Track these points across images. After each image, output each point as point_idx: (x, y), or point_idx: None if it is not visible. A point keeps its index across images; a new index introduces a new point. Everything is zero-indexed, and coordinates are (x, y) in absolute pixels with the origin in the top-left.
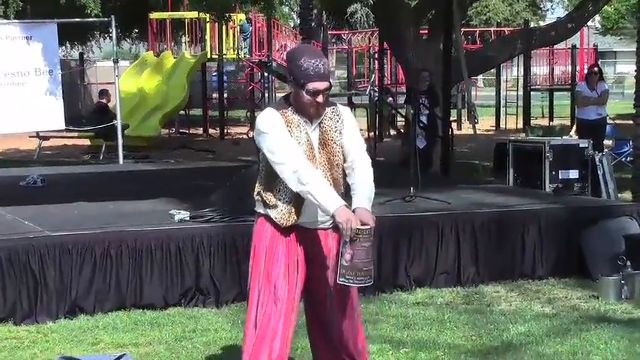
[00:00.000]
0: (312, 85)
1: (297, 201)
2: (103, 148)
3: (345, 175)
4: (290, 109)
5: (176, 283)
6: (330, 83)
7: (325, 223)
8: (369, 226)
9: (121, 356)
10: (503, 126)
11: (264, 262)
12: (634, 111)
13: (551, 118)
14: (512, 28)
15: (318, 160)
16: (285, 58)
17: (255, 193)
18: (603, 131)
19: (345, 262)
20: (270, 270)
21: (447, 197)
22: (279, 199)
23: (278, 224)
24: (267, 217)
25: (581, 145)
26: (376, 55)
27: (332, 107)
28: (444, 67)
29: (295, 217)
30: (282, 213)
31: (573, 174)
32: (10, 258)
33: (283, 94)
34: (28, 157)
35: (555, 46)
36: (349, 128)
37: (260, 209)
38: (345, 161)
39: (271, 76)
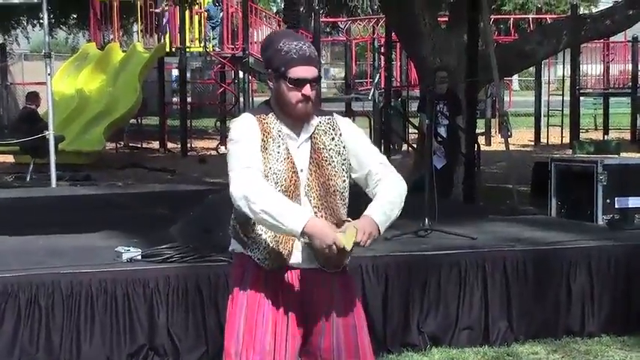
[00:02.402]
0: (295, 72)
1: (286, 238)
2: (31, 167)
3: (344, 206)
4: (271, 115)
5: (124, 340)
6: (320, 72)
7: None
8: (352, 237)
9: None
10: (545, 140)
11: (245, 316)
12: None
13: (605, 131)
14: (555, 16)
15: (306, 184)
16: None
17: (230, 226)
18: None
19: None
20: (252, 325)
21: (472, 231)
22: (260, 235)
23: (262, 266)
24: (247, 258)
25: None
26: (382, 50)
27: (327, 117)
28: (469, 66)
29: (284, 259)
30: (264, 253)
31: (634, 202)
32: None
33: (265, 100)
34: None
35: (611, 39)
36: (355, 139)
37: (236, 247)
38: (366, 183)
39: (248, 75)
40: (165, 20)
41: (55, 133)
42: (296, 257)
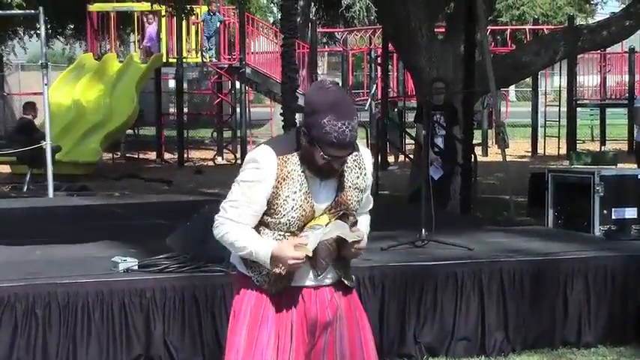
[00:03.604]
0: (330, 152)
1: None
2: (28, 177)
3: None
4: (295, 154)
5: (120, 350)
6: (355, 148)
7: (326, 279)
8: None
9: None
10: (541, 151)
11: (247, 327)
12: None
13: (602, 142)
14: (552, 27)
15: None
16: (305, 93)
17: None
18: None
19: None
20: (254, 337)
21: (469, 242)
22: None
23: (268, 291)
24: (249, 279)
25: None
26: (379, 60)
27: (354, 155)
28: (465, 76)
29: (285, 282)
30: (265, 277)
31: (630, 213)
32: None
33: (295, 128)
34: None
35: (608, 50)
36: (369, 181)
37: (239, 265)
38: None
39: (245, 86)
40: (148, 35)
41: (51, 144)
42: (299, 279)
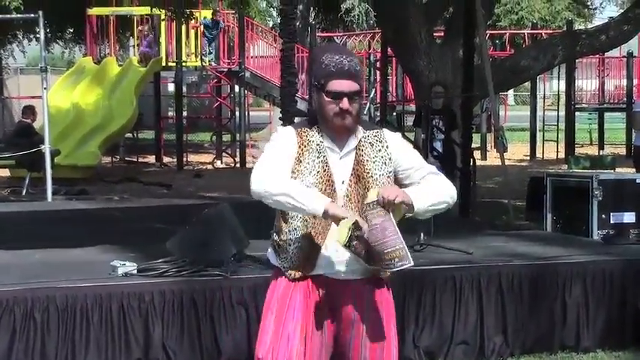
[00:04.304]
0: (333, 85)
1: (311, 245)
2: (27, 181)
3: None
4: (315, 128)
5: (119, 354)
6: (361, 87)
7: (355, 273)
8: (375, 199)
9: None
10: (540, 155)
11: (274, 320)
12: None
13: (601, 146)
14: (551, 31)
15: (344, 195)
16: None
17: (271, 235)
18: None
19: (361, 256)
20: (279, 329)
21: (468, 246)
22: (290, 243)
23: (289, 277)
24: (278, 269)
25: (638, 181)
26: (378, 64)
27: (375, 131)
28: (464, 80)
29: (309, 267)
30: (290, 261)
31: (629, 217)
32: None
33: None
34: None
35: (606, 54)
36: (401, 151)
37: (271, 257)
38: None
39: (244, 90)
40: (146, 42)
41: (50, 147)
42: (323, 268)
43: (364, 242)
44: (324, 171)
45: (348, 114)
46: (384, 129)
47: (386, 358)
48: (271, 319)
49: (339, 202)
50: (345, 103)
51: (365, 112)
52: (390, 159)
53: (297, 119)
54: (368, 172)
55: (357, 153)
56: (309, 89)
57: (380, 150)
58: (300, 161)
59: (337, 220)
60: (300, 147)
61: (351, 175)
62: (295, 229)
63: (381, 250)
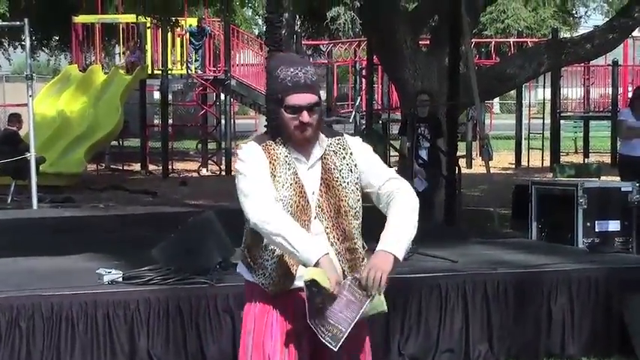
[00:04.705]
0: (291, 100)
1: (289, 261)
2: (12, 188)
3: (358, 225)
4: (278, 140)
5: None
6: (319, 97)
7: None
8: (356, 278)
9: None
10: (525, 163)
11: (253, 336)
12: None
13: (586, 154)
14: (536, 40)
15: (316, 206)
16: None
17: (241, 250)
18: None
19: (314, 304)
20: (261, 345)
21: (453, 254)
22: (267, 260)
23: (267, 292)
24: (254, 285)
25: (623, 189)
26: (363, 72)
27: (337, 138)
28: (450, 88)
29: (289, 281)
30: (270, 278)
31: (614, 225)
32: None
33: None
34: None
35: (592, 63)
36: (365, 157)
37: (245, 273)
38: (377, 200)
39: (229, 98)
40: (134, 56)
41: (36, 155)
42: (299, 282)
43: (322, 298)
44: (296, 183)
45: (308, 126)
46: (344, 135)
47: None
48: (249, 340)
49: (312, 214)
50: (305, 117)
51: (350, 120)
52: (355, 165)
53: (255, 133)
54: (336, 181)
55: (323, 162)
56: (267, 101)
57: (345, 157)
58: (275, 176)
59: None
60: (270, 162)
61: (321, 184)
62: (272, 245)
63: (327, 316)
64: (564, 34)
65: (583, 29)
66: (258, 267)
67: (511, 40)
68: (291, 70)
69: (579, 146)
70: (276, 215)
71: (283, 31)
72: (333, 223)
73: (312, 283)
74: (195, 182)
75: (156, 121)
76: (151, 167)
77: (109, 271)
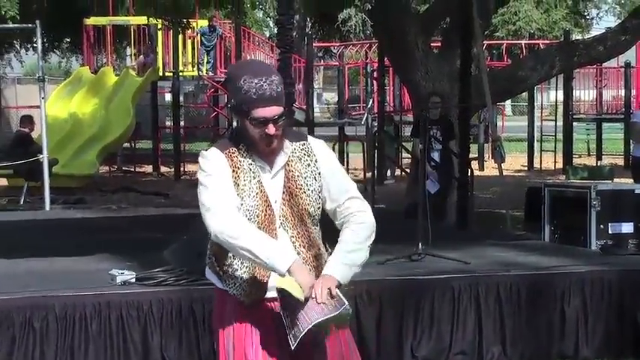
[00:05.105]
0: (257, 112)
1: (260, 271)
2: (25, 190)
3: (319, 232)
4: (240, 147)
5: None
6: (284, 108)
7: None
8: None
9: None
10: (538, 165)
11: (235, 349)
12: None
13: (598, 157)
14: (548, 42)
15: (280, 214)
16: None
17: (207, 257)
18: None
19: (286, 308)
20: (244, 357)
21: (465, 255)
22: (236, 269)
23: (243, 302)
24: (224, 292)
25: (637, 191)
26: (375, 74)
27: (302, 143)
28: (462, 91)
29: (260, 292)
30: (240, 288)
31: (627, 227)
32: None
33: (233, 127)
34: None
35: (604, 65)
36: (328, 167)
37: (215, 281)
38: (334, 216)
39: None
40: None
41: (48, 157)
42: (273, 291)
43: (293, 303)
44: (262, 192)
45: (274, 138)
46: (309, 139)
47: None
48: (230, 349)
49: (277, 222)
50: (271, 129)
51: (362, 123)
52: (319, 173)
53: (220, 140)
54: (300, 189)
55: (286, 170)
56: (228, 107)
57: (309, 165)
58: (237, 184)
59: (298, 277)
60: (233, 170)
61: (284, 193)
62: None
63: (296, 316)
64: (576, 36)
65: (595, 31)
66: (228, 277)
67: (523, 42)
68: (255, 81)
69: (592, 148)
70: (243, 229)
71: (294, 33)
72: (298, 231)
73: (283, 292)
74: None
75: (167, 123)
76: (163, 169)
77: (122, 272)
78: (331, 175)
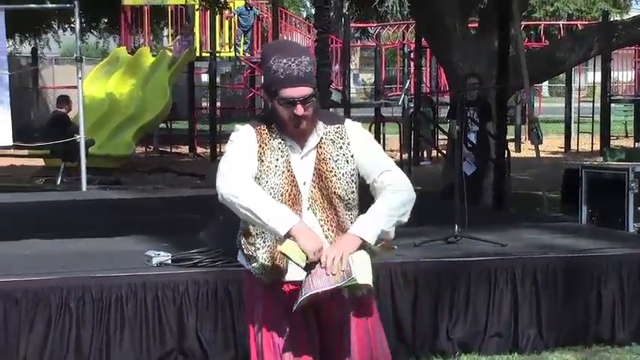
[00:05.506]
0: (284, 93)
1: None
2: (62, 170)
3: (353, 217)
4: (274, 126)
5: (153, 344)
6: (314, 88)
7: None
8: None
9: None
10: (575, 147)
11: (263, 330)
12: None
13: (636, 138)
14: (586, 22)
15: (309, 197)
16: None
17: (237, 240)
18: None
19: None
20: (272, 339)
21: (502, 238)
22: (258, 247)
23: (265, 282)
24: (251, 274)
25: None
26: (412, 55)
27: (336, 126)
28: (499, 72)
29: (280, 271)
30: (261, 268)
31: None
32: None
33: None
34: None
35: None
36: (362, 147)
37: (243, 261)
38: (374, 192)
39: None
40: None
41: (85, 137)
42: (294, 273)
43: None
44: (288, 171)
45: (303, 119)
46: (346, 122)
47: (373, 344)
48: (258, 331)
49: (304, 205)
50: (299, 110)
51: (399, 103)
52: (352, 156)
53: (255, 118)
54: (331, 171)
55: (318, 151)
56: (262, 89)
57: (341, 147)
58: (262, 160)
59: (301, 241)
60: (260, 146)
61: (314, 175)
62: (263, 232)
63: (305, 279)
64: (615, 16)
65: (634, 12)
66: (251, 256)
67: (561, 22)
68: (284, 61)
69: (629, 130)
70: (247, 189)
71: (332, 14)
72: (327, 214)
73: (284, 256)
74: None
75: (204, 104)
76: (199, 150)
77: (158, 253)
78: (365, 156)
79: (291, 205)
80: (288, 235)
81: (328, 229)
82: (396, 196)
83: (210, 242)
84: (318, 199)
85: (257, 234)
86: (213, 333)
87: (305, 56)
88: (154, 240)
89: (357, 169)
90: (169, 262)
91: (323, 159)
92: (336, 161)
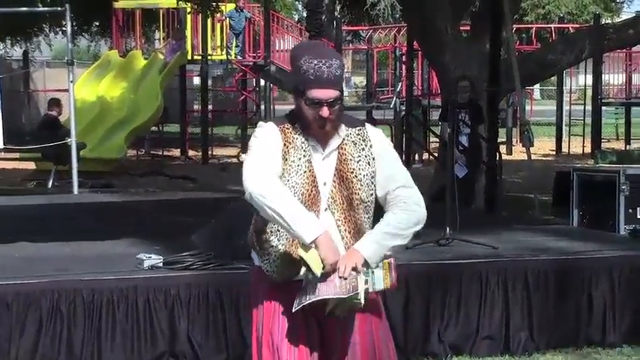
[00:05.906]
0: (312, 93)
1: (293, 251)
2: (53, 174)
3: (369, 219)
4: (296, 125)
5: (145, 347)
6: (341, 92)
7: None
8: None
9: None
10: (566, 150)
11: (263, 327)
12: None
13: (627, 141)
14: (577, 25)
15: (329, 197)
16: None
17: (249, 234)
18: None
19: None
20: (270, 337)
21: (493, 240)
22: (272, 245)
23: (275, 279)
24: (260, 269)
25: None
26: (403, 58)
27: (358, 129)
28: (491, 75)
29: (291, 272)
30: (273, 265)
31: None
32: None
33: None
34: None
35: (634, 49)
36: (383, 154)
37: (255, 259)
38: (384, 203)
39: (269, 84)
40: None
41: (76, 141)
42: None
43: (313, 275)
44: (310, 171)
45: (328, 121)
46: (366, 125)
47: (377, 346)
48: (260, 327)
49: (323, 205)
50: (324, 111)
51: (391, 106)
52: (373, 159)
53: (278, 117)
54: (352, 172)
55: (339, 152)
56: (290, 86)
57: (364, 149)
58: (286, 159)
59: (322, 252)
60: (285, 144)
61: (334, 175)
62: (278, 230)
63: (308, 286)
64: (606, 19)
65: (625, 15)
66: (264, 253)
67: (552, 25)
68: (315, 62)
69: (621, 133)
70: (277, 191)
71: (323, 17)
72: (345, 215)
73: (303, 261)
74: (235, 168)
75: (195, 107)
76: (191, 153)
77: (150, 256)
78: (385, 162)
79: (310, 205)
80: (311, 243)
81: (345, 230)
82: (407, 215)
83: (202, 245)
84: (337, 199)
85: (272, 232)
86: (204, 336)
87: (336, 59)
88: (145, 243)
89: (375, 174)
90: (161, 265)
91: (344, 160)
92: (357, 162)
